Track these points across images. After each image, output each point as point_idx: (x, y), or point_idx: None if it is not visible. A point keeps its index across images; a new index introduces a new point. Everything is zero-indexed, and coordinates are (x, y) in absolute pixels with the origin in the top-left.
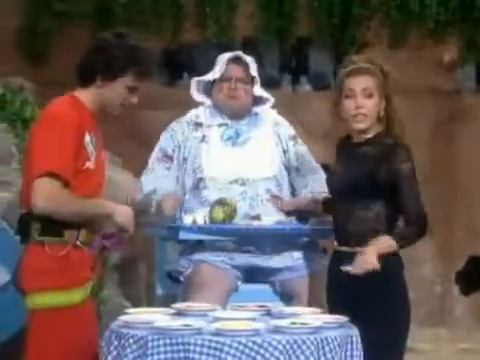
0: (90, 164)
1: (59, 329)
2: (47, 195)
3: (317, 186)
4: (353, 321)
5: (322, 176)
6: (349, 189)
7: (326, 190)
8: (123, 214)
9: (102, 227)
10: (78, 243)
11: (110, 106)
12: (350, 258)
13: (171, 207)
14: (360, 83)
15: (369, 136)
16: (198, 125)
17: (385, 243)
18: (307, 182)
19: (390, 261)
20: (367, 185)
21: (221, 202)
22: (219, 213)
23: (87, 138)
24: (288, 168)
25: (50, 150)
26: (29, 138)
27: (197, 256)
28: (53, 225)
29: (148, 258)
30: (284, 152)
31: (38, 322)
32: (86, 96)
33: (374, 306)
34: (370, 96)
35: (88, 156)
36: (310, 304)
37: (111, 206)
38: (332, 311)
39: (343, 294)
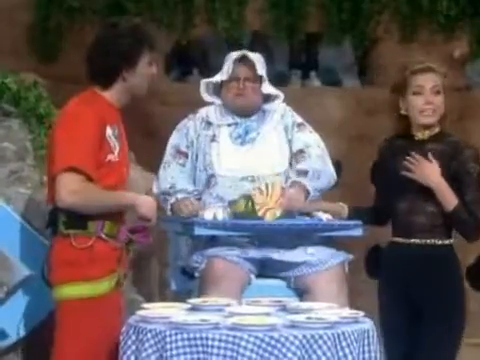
0: (113, 157)
1: (86, 320)
2: (71, 190)
3: (317, 182)
4: (409, 311)
5: (328, 171)
6: (419, 183)
7: (324, 184)
8: (146, 204)
9: (127, 220)
10: (102, 235)
11: (139, 89)
12: (409, 250)
13: (189, 212)
14: (429, 80)
15: (432, 133)
16: (209, 124)
17: (451, 194)
18: (308, 169)
19: (449, 252)
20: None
21: (249, 198)
22: (241, 206)
23: (109, 131)
24: (293, 154)
25: (71, 145)
26: (50, 137)
27: (210, 251)
28: (78, 218)
29: (161, 254)
30: (289, 141)
31: (65, 313)
32: (111, 95)
33: (434, 297)
34: (438, 93)
35: (111, 149)
36: (327, 300)
37: (134, 197)
38: (386, 300)
39: (400, 283)
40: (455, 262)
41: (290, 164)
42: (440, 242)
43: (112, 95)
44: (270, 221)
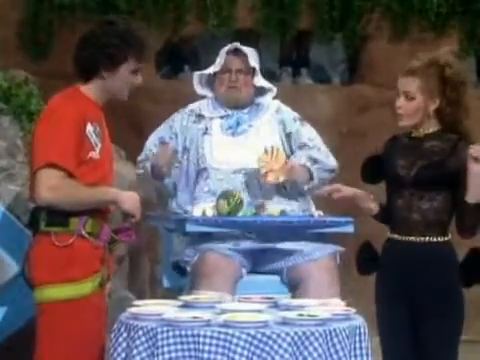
0: (94, 154)
1: (68, 322)
2: (49, 186)
3: (322, 173)
4: (407, 309)
5: (331, 163)
6: (418, 180)
7: (326, 175)
8: (129, 200)
9: (111, 218)
10: (84, 233)
11: (118, 93)
12: (406, 247)
13: (166, 158)
14: (403, 85)
15: (428, 132)
16: (201, 117)
17: None
18: (317, 158)
19: (446, 249)
20: (437, 177)
21: (226, 195)
22: (224, 207)
23: (90, 128)
24: (295, 147)
25: (49, 142)
26: (33, 134)
27: (202, 245)
28: (59, 215)
29: (152, 250)
30: (288, 135)
31: (47, 315)
32: (91, 90)
33: (431, 294)
34: (411, 98)
35: (92, 146)
36: (319, 290)
37: (115, 192)
38: (383, 297)
39: (399, 282)
40: (453, 259)
41: (288, 157)
42: (436, 239)
43: (91, 90)
44: (272, 182)
